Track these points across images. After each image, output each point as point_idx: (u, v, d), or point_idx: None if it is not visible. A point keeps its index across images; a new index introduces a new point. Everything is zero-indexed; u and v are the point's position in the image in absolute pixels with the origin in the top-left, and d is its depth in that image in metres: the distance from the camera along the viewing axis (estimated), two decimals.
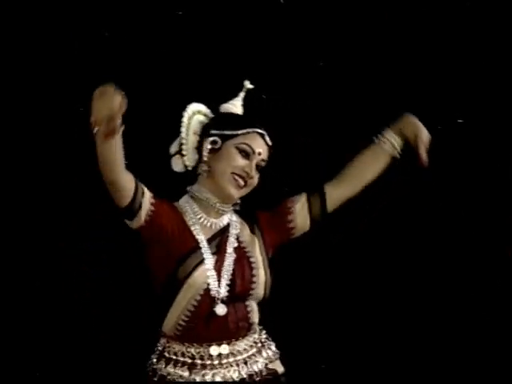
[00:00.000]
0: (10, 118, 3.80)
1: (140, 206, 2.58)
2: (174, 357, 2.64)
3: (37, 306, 3.85)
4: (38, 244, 3.84)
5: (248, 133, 2.68)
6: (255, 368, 2.67)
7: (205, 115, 2.77)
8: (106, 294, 3.88)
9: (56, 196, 3.85)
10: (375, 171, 2.77)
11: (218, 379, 2.60)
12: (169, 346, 2.65)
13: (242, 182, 2.66)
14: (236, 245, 2.68)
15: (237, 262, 2.66)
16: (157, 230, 2.62)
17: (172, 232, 2.63)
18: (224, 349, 2.62)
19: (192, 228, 2.66)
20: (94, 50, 3.79)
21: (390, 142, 2.74)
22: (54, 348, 3.89)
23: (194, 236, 2.65)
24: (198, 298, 2.59)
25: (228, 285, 2.61)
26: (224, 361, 2.62)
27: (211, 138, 2.68)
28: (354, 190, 2.79)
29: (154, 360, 2.69)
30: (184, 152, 2.73)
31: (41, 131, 3.83)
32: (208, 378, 2.60)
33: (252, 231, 2.74)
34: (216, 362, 2.61)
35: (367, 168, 2.77)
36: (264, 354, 2.71)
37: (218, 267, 2.62)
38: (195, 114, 2.75)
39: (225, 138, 2.68)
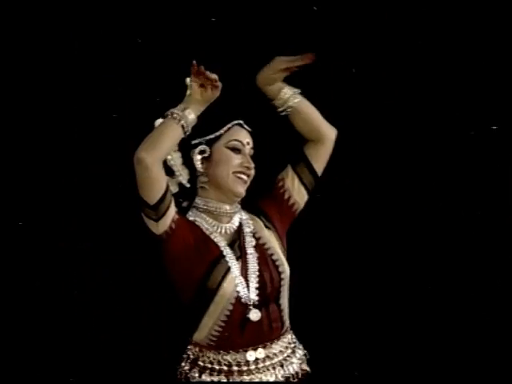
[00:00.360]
0: (11, 119, 3.80)
1: (167, 209, 2.50)
2: (210, 365, 2.57)
3: (37, 305, 3.85)
4: (38, 244, 3.84)
5: (229, 128, 2.65)
6: (291, 370, 2.62)
7: None
8: (106, 293, 3.88)
9: (56, 196, 3.84)
10: (315, 116, 2.70)
11: None
12: (203, 355, 2.59)
13: (245, 177, 2.64)
14: (254, 243, 2.63)
15: (260, 262, 2.61)
16: (181, 240, 2.55)
17: (195, 242, 2.58)
18: (260, 353, 2.57)
19: (212, 237, 2.61)
20: (94, 51, 3.79)
21: (285, 98, 2.66)
22: (52, 347, 3.88)
23: (216, 244, 2.59)
24: (231, 307, 2.54)
25: (257, 288, 2.57)
26: (260, 365, 2.57)
27: (198, 149, 2.64)
28: (329, 138, 2.72)
29: (186, 368, 2.62)
30: (177, 173, 2.66)
31: (41, 132, 3.82)
32: None
33: (265, 224, 2.71)
34: (253, 367, 2.56)
35: (311, 123, 2.69)
36: (297, 354, 2.67)
37: (245, 272, 2.57)
38: None
39: (211, 143, 2.64)
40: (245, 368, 2.55)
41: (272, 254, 2.63)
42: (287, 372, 2.60)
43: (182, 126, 2.47)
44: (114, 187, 3.81)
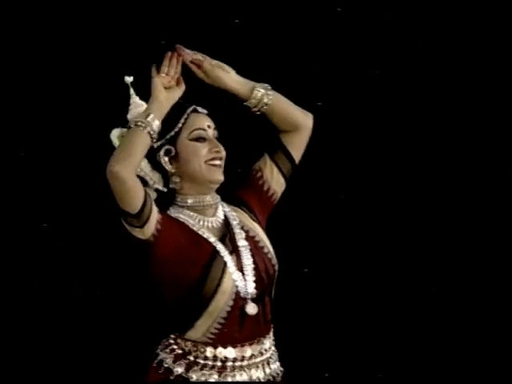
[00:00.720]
0: (11, 119, 3.81)
1: (150, 212, 2.41)
2: (203, 361, 2.49)
3: (37, 305, 3.85)
4: (38, 244, 3.84)
5: (186, 119, 2.55)
6: (276, 368, 2.58)
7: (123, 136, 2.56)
8: (106, 294, 3.88)
9: (56, 196, 3.85)
10: (291, 108, 2.63)
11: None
12: (196, 350, 2.49)
13: (218, 162, 2.54)
14: (244, 235, 2.56)
15: (254, 254, 2.54)
16: (170, 241, 2.47)
17: (187, 241, 2.50)
18: (254, 349, 2.52)
19: (200, 233, 2.53)
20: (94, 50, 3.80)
21: (259, 97, 2.57)
22: (53, 348, 3.89)
23: (207, 240, 2.51)
24: (231, 303, 2.48)
25: (254, 281, 2.50)
26: (252, 361, 2.51)
27: (162, 150, 2.54)
28: (306, 127, 2.66)
29: (168, 360, 2.51)
30: (150, 181, 2.56)
31: (41, 132, 3.83)
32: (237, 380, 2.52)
33: (249, 216, 2.64)
34: (245, 363, 2.50)
35: (288, 116, 2.62)
36: (276, 352, 2.63)
37: (240, 266, 2.51)
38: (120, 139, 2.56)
39: (173, 141, 2.55)
40: (238, 364, 2.52)
41: (263, 247, 2.58)
42: (273, 370, 2.58)
43: (149, 133, 2.41)
44: None
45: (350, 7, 3.85)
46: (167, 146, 2.55)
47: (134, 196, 2.39)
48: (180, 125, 2.55)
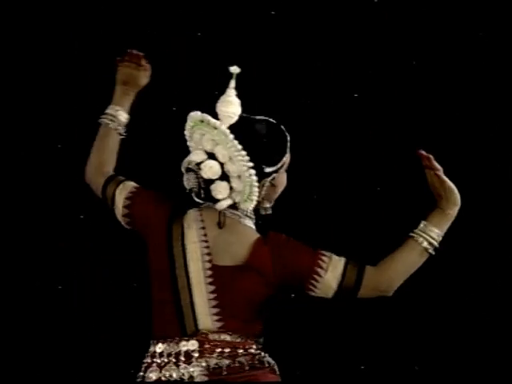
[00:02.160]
0: (11, 119, 3.82)
1: None
2: None
3: (37, 306, 3.86)
4: (38, 244, 3.84)
5: (289, 151, 2.50)
6: None
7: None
8: (106, 294, 3.88)
9: (56, 196, 3.85)
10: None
11: None
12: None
13: None
14: None
15: None
16: None
17: None
18: None
19: None
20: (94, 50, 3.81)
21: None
22: (53, 348, 3.89)
23: None
24: None
25: None
26: None
27: (270, 178, 2.44)
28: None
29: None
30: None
31: (40, 131, 3.83)
32: None
33: None
34: None
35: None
36: None
37: None
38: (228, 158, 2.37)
39: (278, 170, 2.47)
40: None
41: None
42: None
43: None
44: None
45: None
46: (275, 175, 2.46)
47: None
48: (285, 157, 2.47)
